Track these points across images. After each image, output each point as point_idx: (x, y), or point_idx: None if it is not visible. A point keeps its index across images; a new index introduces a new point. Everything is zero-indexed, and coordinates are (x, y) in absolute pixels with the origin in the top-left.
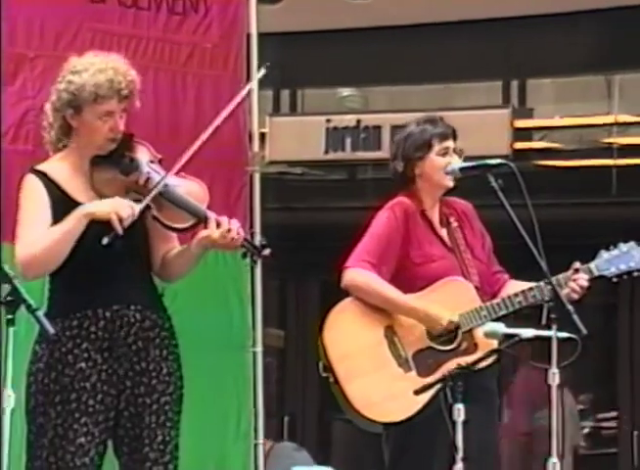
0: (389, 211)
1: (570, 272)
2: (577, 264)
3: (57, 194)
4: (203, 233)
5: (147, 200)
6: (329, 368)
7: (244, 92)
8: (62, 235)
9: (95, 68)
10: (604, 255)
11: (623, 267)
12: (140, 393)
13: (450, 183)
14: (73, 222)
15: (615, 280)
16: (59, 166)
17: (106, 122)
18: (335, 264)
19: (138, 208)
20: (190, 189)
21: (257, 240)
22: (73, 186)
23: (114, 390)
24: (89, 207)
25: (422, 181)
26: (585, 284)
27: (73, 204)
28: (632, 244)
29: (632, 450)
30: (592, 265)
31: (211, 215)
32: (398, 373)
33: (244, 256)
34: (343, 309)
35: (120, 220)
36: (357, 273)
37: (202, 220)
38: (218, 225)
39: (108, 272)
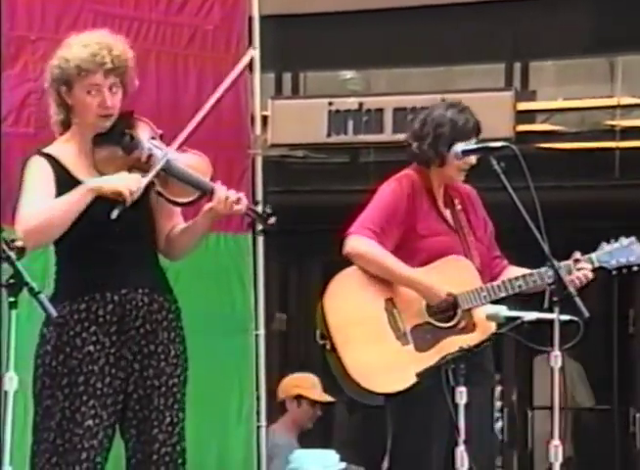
0: (396, 182)
1: (570, 261)
2: (578, 254)
3: (63, 175)
4: (208, 205)
5: (151, 174)
6: (327, 336)
7: (235, 73)
8: (65, 207)
9: (80, 43)
10: (605, 246)
11: (623, 261)
12: (149, 375)
13: (460, 179)
14: (78, 196)
15: (614, 273)
16: (64, 148)
17: (94, 98)
18: (337, 247)
19: (144, 181)
20: (192, 162)
21: (262, 209)
22: (78, 167)
23: (122, 373)
24: (96, 181)
25: (438, 166)
26: (590, 275)
27: (76, 182)
28: (633, 239)
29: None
30: (593, 256)
31: (216, 187)
32: (396, 346)
33: (250, 226)
34: (346, 278)
35: (130, 193)
36: (360, 241)
37: (206, 193)
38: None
39: (115, 254)
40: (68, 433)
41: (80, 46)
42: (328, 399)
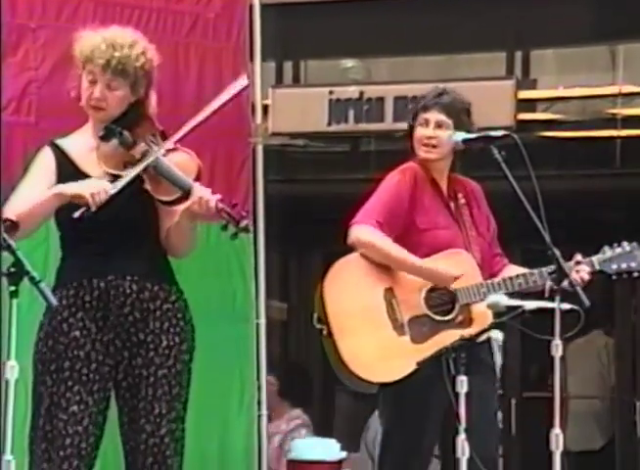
0: (400, 173)
1: (571, 263)
2: (579, 257)
3: (69, 169)
4: (185, 204)
5: (130, 175)
6: (324, 321)
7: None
8: (32, 208)
9: (97, 33)
10: (607, 251)
11: (624, 267)
12: (137, 364)
13: (425, 155)
14: (44, 199)
15: (614, 278)
16: (78, 140)
17: (91, 87)
18: (338, 237)
19: (120, 184)
20: (179, 160)
21: (239, 211)
22: (88, 160)
23: (111, 360)
24: (61, 186)
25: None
26: (587, 277)
27: (79, 173)
28: (635, 244)
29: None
30: (594, 259)
31: (194, 186)
32: (392, 336)
33: (223, 228)
34: (347, 265)
35: (92, 197)
36: (364, 230)
37: (186, 192)
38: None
39: (105, 244)
40: (55, 419)
41: (92, 35)
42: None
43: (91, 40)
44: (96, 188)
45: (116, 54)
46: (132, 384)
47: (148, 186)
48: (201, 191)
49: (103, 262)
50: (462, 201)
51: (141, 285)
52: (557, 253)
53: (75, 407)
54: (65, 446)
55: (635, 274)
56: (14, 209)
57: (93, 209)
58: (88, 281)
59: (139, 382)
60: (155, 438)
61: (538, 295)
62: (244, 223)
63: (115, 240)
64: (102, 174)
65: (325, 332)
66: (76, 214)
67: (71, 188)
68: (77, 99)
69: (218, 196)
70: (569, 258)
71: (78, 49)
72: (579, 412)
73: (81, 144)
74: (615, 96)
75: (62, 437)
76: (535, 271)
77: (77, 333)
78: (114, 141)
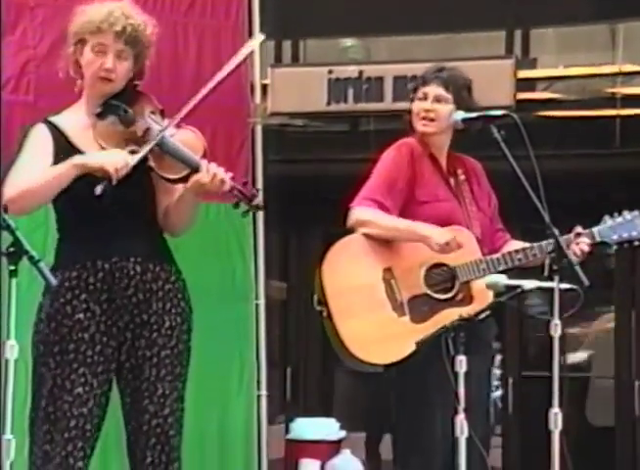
0: (396, 150)
1: (571, 235)
2: (579, 229)
3: (64, 146)
4: (193, 178)
5: (145, 149)
6: (324, 303)
7: (243, 53)
8: (48, 179)
9: (102, 5)
10: (607, 221)
11: (625, 236)
12: (140, 345)
13: (422, 129)
14: (63, 169)
15: (615, 247)
16: (71, 118)
17: (99, 58)
18: (337, 216)
19: (134, 160)
20: (185, 138)
21: (250, 189)
22: (82, 138)
23: (114, 341)
24: (81, 157)
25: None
26: (586, 249)
27: (76, 151)
28: (636, 213)
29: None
30: (595, 230)
31: (204, 163)
32: (392, 316)
33: (235, 206)
34: (345, 246)
35: (116, 170)
36: (363, 210)
37: (194, 169)
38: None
39: (108, 225)
40: (59, 401)
41: (100, 6)
42: None
43: (102, 9)
44: (118, 160)
45: (131, 21)
46: (135, 365)
47: (152, 163)
48: (214, 168)
49: (106, 244)
50: (462, 177)
51: (144, 266)
52: (556, 232)
53: (80, 389)
54: (69, 428)
55: (636, 243)
56: (17, 184)
57: (114, 182)
58: (92, 263)
59: (142, 363)
60: (158, 418)
61: (538, 274)
62: (256, 201)
63: (117, 221)
64: (97, 150)
65: (325, 314)
66: (98, 191)
67: (94, 159)
68: (69, 77)
69: (231, 174)
70: (568, 233)
71: (84, 20)
72: (602, 389)
73: (74, 121)
74: (614, 75)
75: (66, 418)
76: (535, 245)
77: (81, 315)
78: (112, 118)
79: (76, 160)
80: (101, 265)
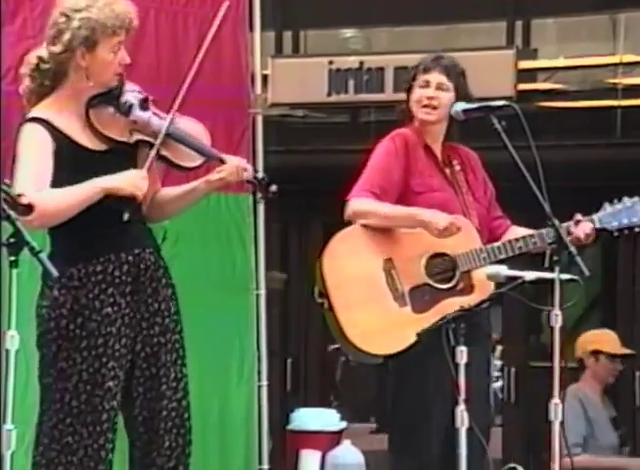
0: (389, 141)
1: (571, 222)
2: (579, 216)
3: (61, 139)
4: (216, 175)
5: (157, 144)
6: (325, 295)
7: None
8: (75, 202)
9: (105, 3)
10: (608, 208)
11: (626, 222)
12: (155, 333)
13: (424, 117)
14: (89, 193)
15: (616, 234)
16: (53, 113)
17: (116, 55)
18: (337, 207)
19: (152, 152)
20: (192, 127)
21: (263, 177)
22: (74, 130)
23: (132, 332)
24: (108, 181)
25: (411, 115)
26: (589, 231)
27: (78, 147)
28: (636, 199)
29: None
30: (595, 217)
31: (225, 156)
32: (393, 307)
33: (253, 194)
34: (345, 237)
35: (141, 193)
36: (360, 201)
37: (213, 159)
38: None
39: (119, 218)
40: (85, 394)
41: (105, 6)
42: (626, 351)
43: (114, 8)
44: (143, 184)
45: (133, 13)
46: (150, 353)
47: (165, 153)
48: (234, 159)
49: (126, 237)
50: (457, 167)
51: (155, 256)
52: (557, 222)
53: (111, 383)
54: (102, 421)
55: (637, 229)
56: (56, 202)
57: (146, 204)
58: (116, 256)
59: (158, 350)
60: (173, 402)
61: (539, 265)
62: (273, 189)
63: (123, 214)
64: (97, 145)
65: (326, 306)
66: (126, 218)
67: (120, 184)
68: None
69: (245, 160)
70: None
71: (104, 22)
72: None
73: (59, 116)
74: (615, 65)
75: (98, 412)
76: (535, 233)
77: (109, 309)
78: (107, 107)
79: (102, 184)
80: (125, 258)
